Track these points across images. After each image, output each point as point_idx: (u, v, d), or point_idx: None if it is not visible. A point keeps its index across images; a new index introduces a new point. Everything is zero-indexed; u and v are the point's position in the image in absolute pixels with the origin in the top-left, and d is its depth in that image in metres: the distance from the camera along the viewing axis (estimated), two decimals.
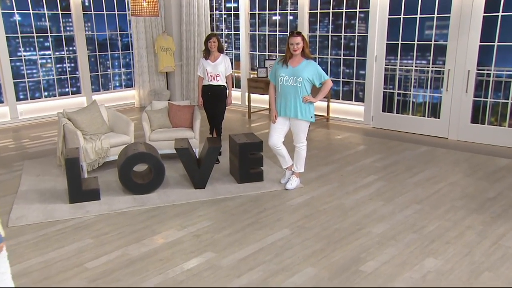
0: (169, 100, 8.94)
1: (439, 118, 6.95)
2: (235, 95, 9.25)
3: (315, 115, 4.85)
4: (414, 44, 7.04)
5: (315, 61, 4.73)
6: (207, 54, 5.60)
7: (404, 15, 7.05)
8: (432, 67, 6.97)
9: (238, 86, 9.41)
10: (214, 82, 5.59)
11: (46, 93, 8.65)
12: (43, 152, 6.38)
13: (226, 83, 5.71)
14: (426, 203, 4.45)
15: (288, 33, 4.63)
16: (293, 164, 4.91)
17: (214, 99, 5.66)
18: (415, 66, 7.14)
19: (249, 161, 4.96)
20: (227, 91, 5.73)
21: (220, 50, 5.62)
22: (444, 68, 6.78)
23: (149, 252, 3.61)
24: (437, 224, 3.99)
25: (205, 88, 5.66)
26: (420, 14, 6.89)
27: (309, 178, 5.15)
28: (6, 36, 7.87)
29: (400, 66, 7.29)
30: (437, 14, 6.72)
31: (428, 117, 7.12)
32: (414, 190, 4.78)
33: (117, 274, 3.29)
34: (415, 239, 3.73)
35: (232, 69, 9.35)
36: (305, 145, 4.81)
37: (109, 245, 3.72)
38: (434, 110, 7.06)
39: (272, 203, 4.51)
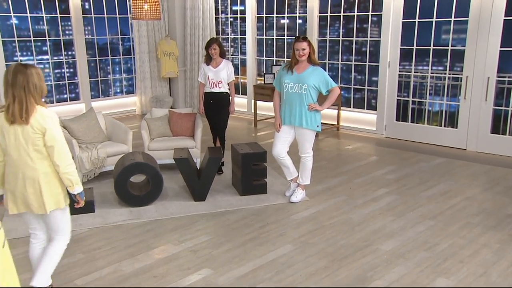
0: (171, 107, 9.00)
1: (456, 128, 6.90)
2: (241, 102, 9.30)
3: (322, 123, 4.84)
4: (429, 49, 7.02)
5: (322, 67, 4.73)
6: (208, 59, 5.62)
7: (419, 18, 7.04)
8: (449, 74, 6.94)
9: (244, 93, 9.45)
10: (216, 89, 5.60)
11: (43, 100, 8.72)
12: None
13: (229, 89, 5.71)
14: (439, 219, 4.40)
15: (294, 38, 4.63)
16: (298, 175, 4.90)
17: (216, 106, 5.67)
18: (431, 73, 7.11)
19: (252, 172, 4.95)
20: (230, 98, 5.74)
21: (222, 55, 5.64)
22: (462, 74, 6.74)
23: (143, 268, 3.61)
24: (451, 241, 3.94)
25: (207, 95, 5.67)
26: (436, 18, 6.87)
27: (315, 191, 5.13)
28: (2, 40, 7.99)
29: (415, 72, 7.27)
30: (455, 17, 6.70)
31: (445, 126, 7.08)
32: (427, 205, 4.74)
33: None
34: (427, 257, 3.68)
35: (238, 74, 9.43)
36: (311, 155, 4.80)
37: (101, 260, 3.73)
38: (452, 120, 7.01)
39: (275, 217, 4.49)
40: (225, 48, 9.56)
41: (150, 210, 4.67)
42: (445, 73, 6.98)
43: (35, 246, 3.20)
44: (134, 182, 4.94)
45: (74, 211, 4.47)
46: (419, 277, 3.40)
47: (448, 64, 6.90)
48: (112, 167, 5.27)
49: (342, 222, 4.37)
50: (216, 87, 5.58)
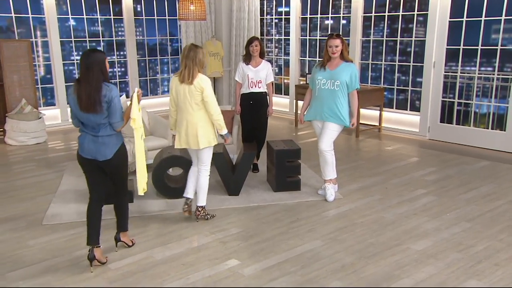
0: None
1: (504, 130, 6.57)
2: (283, 102, 9.30)
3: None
4: (477, 49, 6.73)
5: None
6: (247, 59, 5.50)
7: (467, 17, 6.77)
8: (498, 75, 6.62)
9: (286, 93, 9.43)
10: (255, 89, 5.47)
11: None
12: None
13: (267, 90, 5.61)
14: (477, 221, 4.20)
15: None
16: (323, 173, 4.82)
17: (255, 108, 5.53)
18: (479, 73, 6.81)
19: (286, 169, 4.93)
20: (268, 98, 5.67)
21: (262, 55, 5.51)
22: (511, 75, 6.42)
23: (173, 256, 3.67)
24: (487, 244, 3.76)
25: (246, 96, 5.53)
26: (485, 17, 6.59)
27: (349, 190, 5.04)
28: (61, 41, 8.41)
29: (461, 73, 6.99)
30: (505, 16, 6.39)
31: (492, 129, 6.76)
32: (466, 207, 4.54)
33: (138, 276, 3.38)
34: (459, 258, 3.53)
35: (282, 75, 9.42)
36: (332, 150, 4.70)
37: (135, 247, 3.83)
38: (500, 122, 6.69)
39: (307, 213, 4.45)
40: (269, 49, 9.68)
41: None
42: (494, 74, 6.66)
43: (193, 170, 4.38)
44: (171, 175, 5.05)
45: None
46: (449, 278, 3.26)
47: (497, 64, 6.59)
48: (152, 160, 5.40)
49: (374, 220, 4.26)
50: (255, 86, 5.46)
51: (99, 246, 3.49)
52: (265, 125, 5.67)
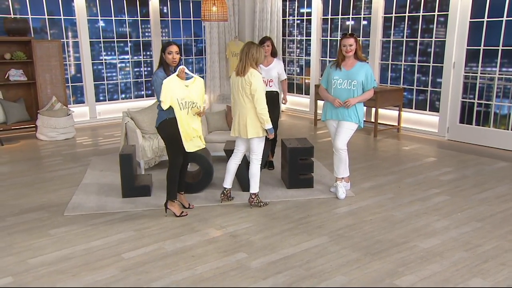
0: None
1: None
2: (304, 102, 9.28)
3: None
4: (498, 49, 6.56)
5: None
6: None
7: (488, 18, 6.62)
8: None
9: (307, 93, 9.41)
10: (267, 88, 5.38)
11: (123, 95, 9.33)
12: (111, 149, 6.90)
13: (279, 88, 5.60)
14: (488, 221, 4.11)
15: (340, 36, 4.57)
16: (335, 171, 4.79)
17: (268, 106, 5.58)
18: (499, 74, 6.64)
19: (299, 166, 4.94)
20: (282, 95, 5.67)
21: (274, 54, 5.52)
22: None
23: (184, 248, 3.74)
24: (495, 244, 3.68)
25: None
26: (507, 17, 6.42)
27: (362, 188, 5.01)
28: (90, 41, 8.64)
29: (481, 74, 6.83)
30: None
31: None
32: (478, 207, 4.45)
33: (148, 266, 3.46)
34: (465, 257, 3.47)
35: (303, 75, 9.40)
36: (346, 149, 4.68)
37: (149, 238, 3.92)
38: None
39: (317, 210, 4.45)
40: (290, 49, 9.67)
41: (200, 197, 4.83)
42: None
43: (231, 161, 4.62)
44: (188, 171, 5.12)
45: (132, 193, 4.80)
46: (453, 276, 3.21)
47: None
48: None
49: (383, 218, 4.23)
50: (267, 85, 5.44)
51: (174, 200, 4.36)
52: (276, 123, 5.67)
